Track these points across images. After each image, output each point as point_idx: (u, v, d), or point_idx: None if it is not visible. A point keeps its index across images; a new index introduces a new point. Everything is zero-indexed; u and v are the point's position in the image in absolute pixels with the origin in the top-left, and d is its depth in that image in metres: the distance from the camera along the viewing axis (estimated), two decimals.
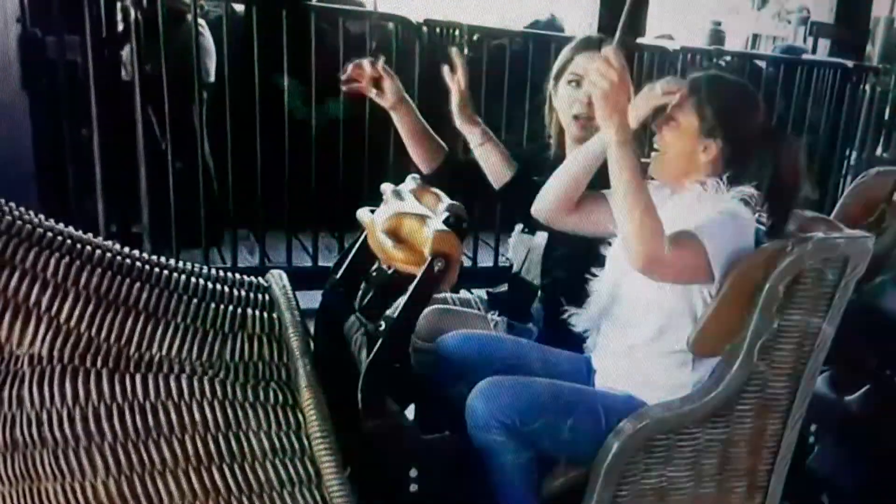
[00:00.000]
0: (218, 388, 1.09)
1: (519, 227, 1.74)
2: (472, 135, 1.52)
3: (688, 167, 1.40)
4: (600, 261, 1.53)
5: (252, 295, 1.30)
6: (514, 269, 1.78)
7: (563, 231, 1.61)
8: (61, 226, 1.18)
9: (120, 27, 2.95)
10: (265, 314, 1.24)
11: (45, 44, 2.69)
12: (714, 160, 1.38)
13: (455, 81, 1.63)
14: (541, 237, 1.70)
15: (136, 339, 1.11)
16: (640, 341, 1.41)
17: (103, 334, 1.09)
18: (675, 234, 1.27)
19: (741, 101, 1.39)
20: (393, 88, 1.61)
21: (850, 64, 4.00)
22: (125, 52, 2.94)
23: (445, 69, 1.62)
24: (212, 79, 3.28)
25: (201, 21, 3.14)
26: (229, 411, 1.08)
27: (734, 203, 1.34)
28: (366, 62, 1.58)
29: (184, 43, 2.98)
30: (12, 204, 1.14)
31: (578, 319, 1.53)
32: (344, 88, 1.58)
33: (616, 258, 1.47)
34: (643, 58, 3.53)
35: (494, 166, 1.58)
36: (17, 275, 1.06)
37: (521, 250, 1.73)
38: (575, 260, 1.61)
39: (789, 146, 1.40)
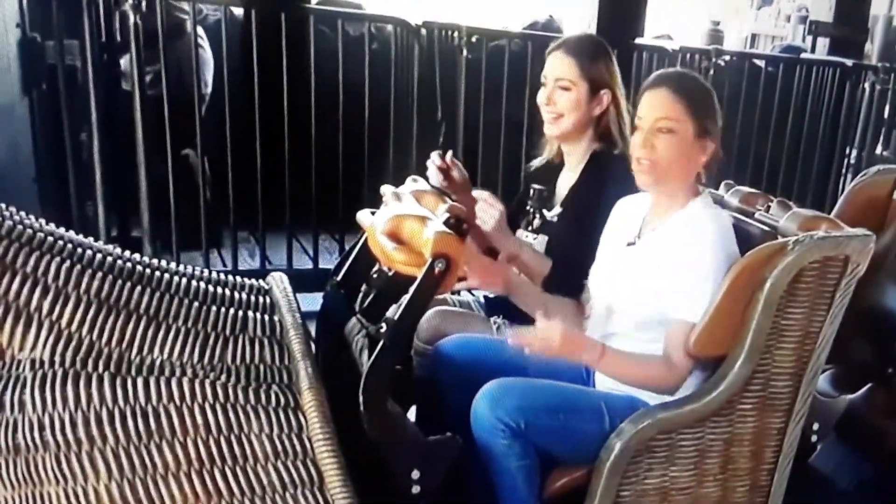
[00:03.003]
0: (219, 391, 1.09)
1: (520, 233, 1.75)
2: (503, 251, 1.62)
3: (686, 172, 1.41)
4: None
5: (253, 298, 1.30)
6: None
7: (562, 238, 1.65)
8: (62, 230, 1.18)
9: (118, 33, 2.95)
10: (266, 317, 1.24)
11: (45, 48, 2.69)
12: (710, 159, 1.40)
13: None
14: (540, 244, 1.70)
15: (137, 342, 1.11)
16: (640, 345, 1.41)
17: (104, 338, 1.09)
18: (668, 340, 1.36)
19: (712, 96, 1.42)
20: (460, 177, 1.70)
21: (849, 63, 4.00)
22: (124, 61, 2.94)
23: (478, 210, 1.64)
24: (209, 89, 3.28)
25: (200, 32, 3.14)
26: (231, 414, 1.08)
27: (713, 214, 1.39)
28: (436, 155, 1.67)
29: (183, 55, 2.99)
30: (13, 208, 1.14)
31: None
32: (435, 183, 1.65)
33: (610, 270, 1.50)
34: (642, 58, 3.53)
35: (531, 274, 1.64)
36: (18, 279, 1.07)
37: None
38: (574, 263, 1.61)
39: None
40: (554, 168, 1.80)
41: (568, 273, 1.62)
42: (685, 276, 1.35)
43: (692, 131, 1.37)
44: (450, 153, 1.70)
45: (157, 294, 1.16)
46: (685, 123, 1.37)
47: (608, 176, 1.67)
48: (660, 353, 1.39)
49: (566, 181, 1.76)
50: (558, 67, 1.69)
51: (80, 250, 1.15)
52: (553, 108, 1.69)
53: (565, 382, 1.46)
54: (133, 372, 1.08)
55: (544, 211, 1.72)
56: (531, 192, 1.72)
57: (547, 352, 1.33)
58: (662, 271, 1.38)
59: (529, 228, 1.72)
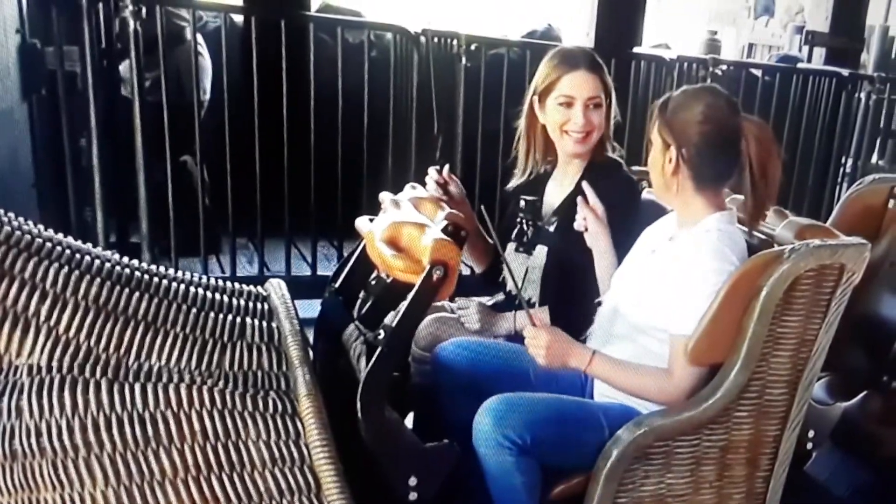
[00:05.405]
0: (217, 397, 1.09)
1: (512, 245, 1.74)
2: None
3: (662, 180, 1.44)
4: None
5: (251, 304, 1.30)
6: (510, 286, 1.76)
7: (562, 247, 1.65)
8: (60, 236, 1.18)
9: (118, 39, 2.96)
10: (264, 323, 1.25)
11: (45, 54, 2.70)
12: (675, 168, 1.41)
13: None
14: (539, 254, 1.69)
15: (134, 348, 1.11)
16: (638, 349, 1.42)
17: (102, 344, 1.09)
18: (669, 353, 1.37)
19: (687, 104, 1.42)
20: (457, 191, 1.72)
21: (845, 72, 4.02)
22: (123, 67, 2.95)
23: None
24: (208, 96, 3.29)
25: (200, 39, 3.15)
26: (228, 421, 1.08)
27: (723, 233, 1.38)
28: (433, 170, 1.70)
29: (182, 62, 2.99)
30: (11, 214, 1.15)
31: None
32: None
33: (628, 273, 1.51)
34: (640, 67, 3.55)
35: None
36: (16, 285, 1.07)
37: (519, 269, 1.72)
38: (575, 273, 1.61)
39: (758, 139, 1.40)
40: (538, 179, 1.79)
41: (573, 279, 1.62)
42: (682, 291, 1.35)
43: (660, 142, 1.42)
44: (446, 167, 1.71)
45: (156, 300, 1.17)
46: (656, 137, 1.44)
47: (610, 181, 1.67)
48: (657, 360, 1.39)
49: (557, 191, 1.75)
50: (589, 86, 1.66)
51: (78, 256, 1.15)
52: (588, 127, 1.67)
53: (564, 392, 1.47)
54: (130, 378, 1.08)
55: (537, 222, 1.70)
56: (522, 203, 1.71)
57: (537, 359, 1.35)
58: (665, 280, 1.38)
59: (524, 239, 1.71)
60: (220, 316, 1.21)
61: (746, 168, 1.39)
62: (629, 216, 1.63)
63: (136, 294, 1.15)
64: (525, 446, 1.30)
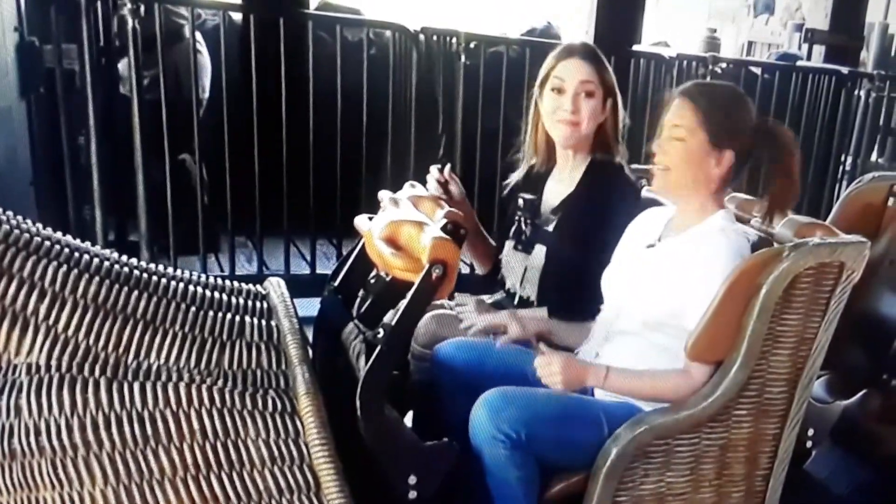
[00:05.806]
0: (216, 396, 1.09)
1: (510, 243, 1.73)
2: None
3: (698, 181, 1.40)
4: (597, 272, 1.56)
5: (250, 303, 1.30)
6: (509, 285, 1.76)
7: (561, 247, 1.65)
8: (59, 234, 1.18)
9: (116, 37, 2.95)
10: (263, 322, 1.25)
11: (43, 52, 2.69)
12: (728, 170, 1.39)
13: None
14: (538, 254, 1.68)
15: (134, 347, 1.11)
16: (645, 344, 1.42)
17: (101, 343, 1.09)
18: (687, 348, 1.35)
19: (738, 106, 1.40)
20: (457, 191, 1.72)
21: (845, 70, 4.02)
22: (122, 65, 2.94)
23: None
24: (206, 94, 3.29)
25: (198, 37, 3.14)
26: (228, 419, 1.08)
27: (731, 233, 1.38)
28: (434, 169, 1.71)
29: (181, 60, 2.99)
30: (10, 213, 1.15)
31: (589, 345, 1.54)
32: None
33: (625, 270, 1.50)
34: (639, 65, 3.55)
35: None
36: (14, 284, 1.07)
37: (517, 267, 1.72)
38: (573, 273, 1.61)
39: (784, 143, 1.40)
40: (538, 177, 1.78)
41: (570, 280, 1.62)
42: (701, 288, 1.34)
43: (704, 141, 1.38)
44: (447, 167, 1.71)
45: (154, 299, 1.17)
46: (695, 133, 1.38)
47: (611, 183, 1.67)
48: (663, 354, 1.39)
49: (557, 190, 1.74)
50: (580, 72, 1.65)
51: (77, 255, 1.15)
52: (576, 115, 1.65)
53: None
54: (129, 377, 1.08)
55: (536, 221, 1.70)
56: (521, 202, 1.70)
57: (555, 386, 1.34)
58: (674, 278, 1.38)
59: (522, 237, 1.71)
60: (220, 314, 1.21)
61: (773, 169, 1.39)
62: (628, 221, 1.63)
63: (135, 293, 1.15)
64: (520, 441, 1.29)
